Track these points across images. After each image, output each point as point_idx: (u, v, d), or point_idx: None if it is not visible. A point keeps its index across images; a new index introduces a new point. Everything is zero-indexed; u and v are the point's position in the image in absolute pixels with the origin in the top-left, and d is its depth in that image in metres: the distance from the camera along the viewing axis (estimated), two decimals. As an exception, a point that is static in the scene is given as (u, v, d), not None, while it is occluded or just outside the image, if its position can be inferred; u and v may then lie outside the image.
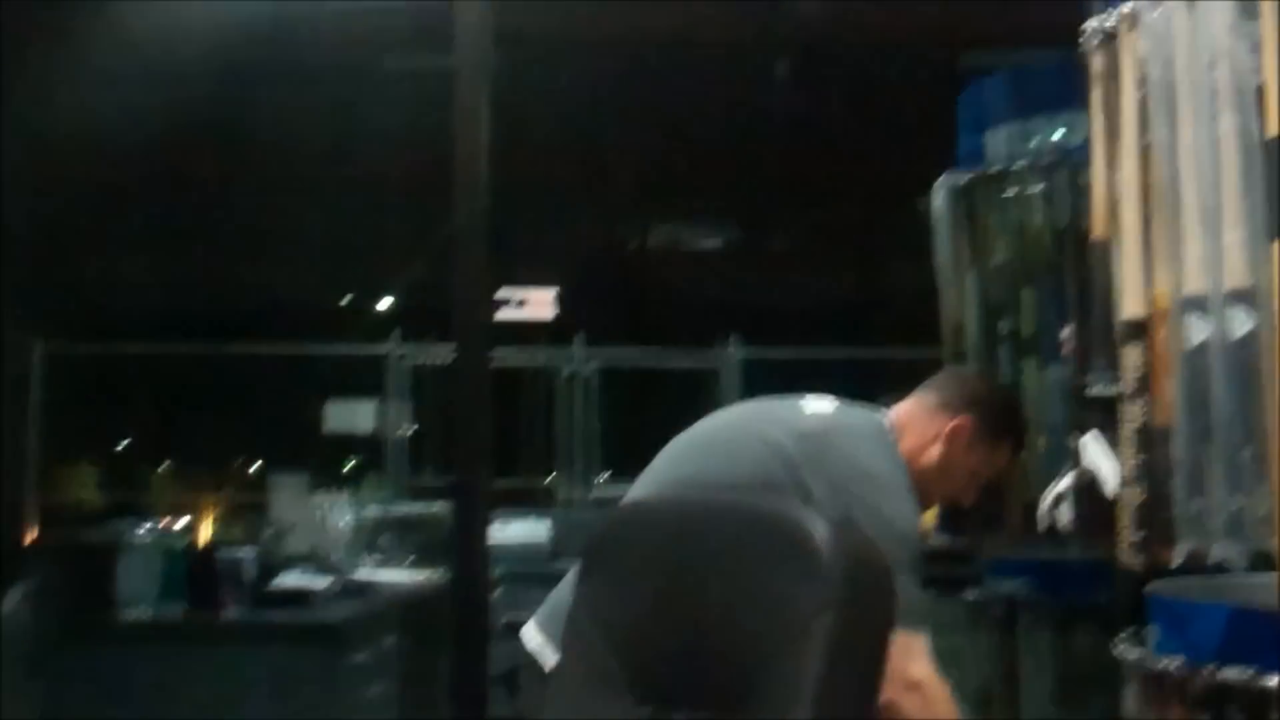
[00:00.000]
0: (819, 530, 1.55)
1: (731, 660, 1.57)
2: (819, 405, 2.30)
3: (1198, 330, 1.92)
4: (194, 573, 3.70)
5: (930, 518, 2.74)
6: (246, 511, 5.88)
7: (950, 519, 2.93)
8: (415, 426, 8.63)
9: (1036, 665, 3.08)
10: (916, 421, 2.34)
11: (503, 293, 7.30)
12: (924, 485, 2.27)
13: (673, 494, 2.14)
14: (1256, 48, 1.95)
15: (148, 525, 4.00)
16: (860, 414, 2.32)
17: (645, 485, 2.28)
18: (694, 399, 8.20)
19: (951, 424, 2.32)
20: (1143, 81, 2.09)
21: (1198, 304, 1.93)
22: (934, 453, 2.31)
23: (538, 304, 7.49)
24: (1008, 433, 2.39)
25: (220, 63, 5.23)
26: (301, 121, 6.36)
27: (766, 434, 2.20)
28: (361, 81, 5.99)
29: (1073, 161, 2.98)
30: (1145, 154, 2.08)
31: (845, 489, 2.11)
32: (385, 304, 11.02)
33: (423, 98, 4.30)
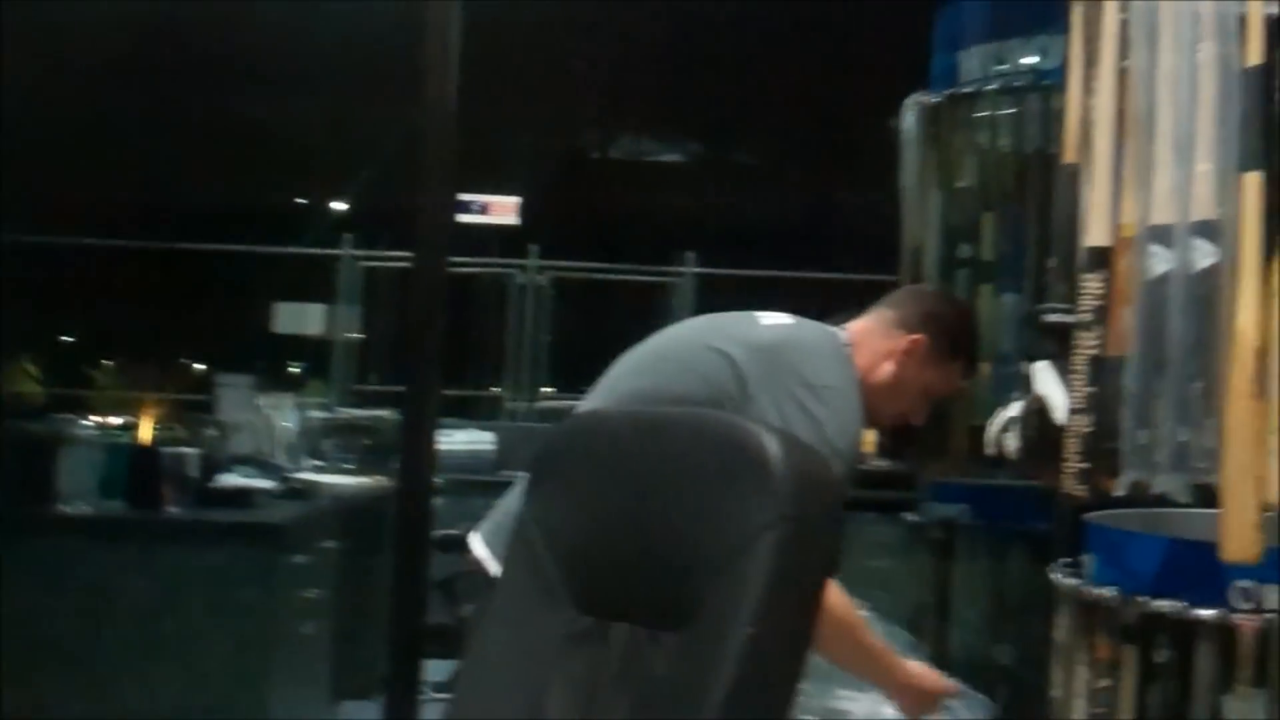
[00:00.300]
0: (771, 446, 1.52)
1: (677, 573, 1.55)
2: (776, 318, 2.28)
3: (1160, 261, 1.90)
4: (136, 469, 3.64)
5: (870, 442, 2.73)
6: (190, 410, 5.83)
7: (894, 443, 2.92)
8: (364, 334, 8.58)
9: (970, 590, 3.10)
10: (871, 337, 2.32)
11: (465, 197, 7.22)
12: (875, 402, 2.25)
13: (626, 406, 2.12)
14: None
15: (90, 420, 3.94)
16: (817, 328, 2.29)
17: (598, 396, 2.26)
18: (647, 314, 8.17)
19: (906, 341, 2.31)
20: (1125, 5, 2.05)
21: (1162, 235, 1.91)
22: (887, 369, 2.30)
23: (500, 210, 7.41)
24: (962, 352, 2.37)
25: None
26: (262, 20, 6.23)
27: (720, 346, 2.18)
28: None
29: (1045, 86, 2.95)
30: (1123, 79, 2.05)
31: (792, 399, 2.09)
32: (339, 207, 10.90)
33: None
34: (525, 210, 8.25)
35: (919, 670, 2.08)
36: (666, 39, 6.80)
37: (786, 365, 2.15)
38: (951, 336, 2.35)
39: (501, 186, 8.49)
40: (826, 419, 2.09)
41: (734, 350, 2.16)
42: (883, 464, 3.18)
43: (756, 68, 7.05)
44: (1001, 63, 3.10)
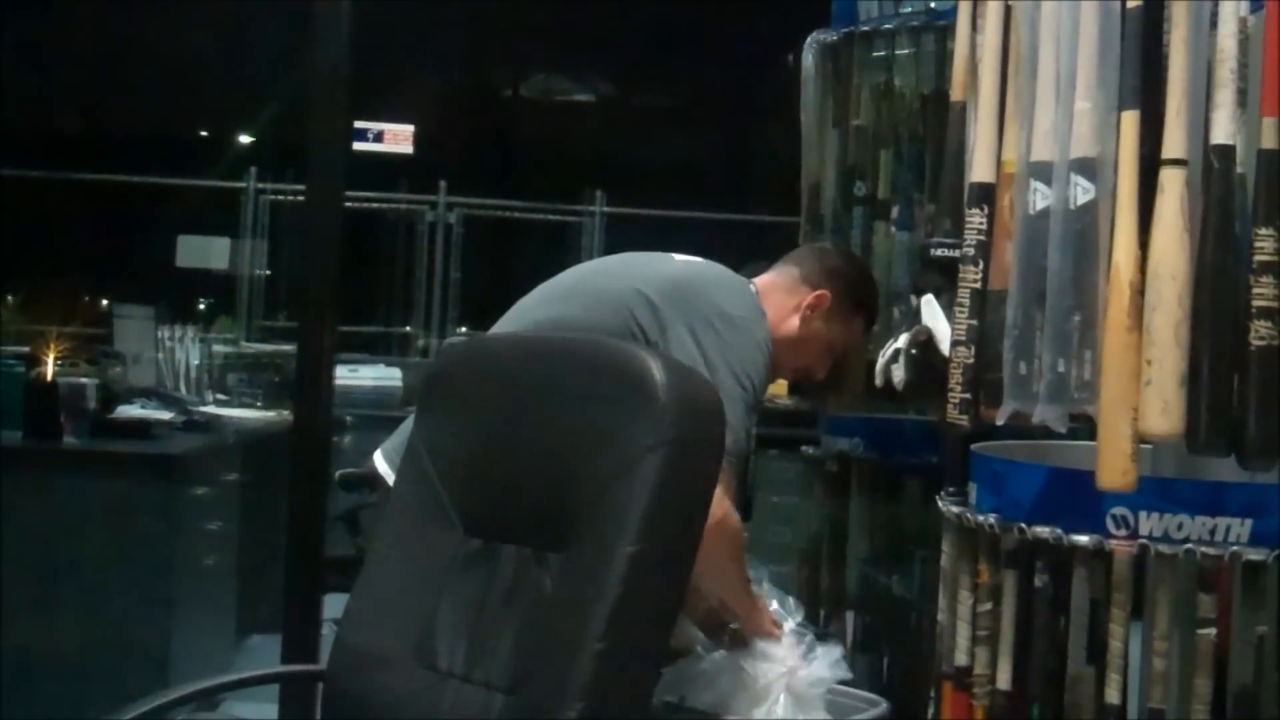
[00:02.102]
0: (655, 369, 1.55)
1: (562, 494, 1.59)
2: (689, 258, 2.35)
3: (1040, 196, 1.95)
4: (33, 399, 3.60)
5: (780, 386, 2.79)
6: (93, 344, 5.74)
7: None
8: (270, 271, 8.48)
9: (865, 523, 3.17)
10: (777, 292, 2.38)
11: (360, 124, 7.15)
12: (780, 356, 2.31)
13: (514, 331, 2.15)
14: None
15: (-15, 350, 3.88)
16: (729, 272, 2.35)
17: (507, 324, 2.28)
18: (556, 253, 8.16)
19: (812, 296, 2.38)
20: (1011, -58, 2.08)
21: (1043, 171, 1.95)
22: (792, 324, 2.36)
23: (395, 138, 7.34)
24: (863, 309, 2.46)
25: None
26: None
27: (633, 282, 2.22)
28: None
29: (939, 25, 2.99)
30: (1008, 17, 2.08)
31: (708, 325, 2.15)
32: (245, 140, 10.73)
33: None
34: (435, 146, 8.20)
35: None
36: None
37: (701, 295, 2.20)
38: (854, 293, 2.44)
39: (410, 122, 8.40)
40: (739, 344, 2.16)
41: (648, 286, 2.20)
42: (789, 401, 3.23)
43: (665, 5, 7.02)
44: (899, 3, 3.13)
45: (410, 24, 6.68)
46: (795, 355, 2.39)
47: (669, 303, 2.17)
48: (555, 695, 1.46)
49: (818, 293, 2.38)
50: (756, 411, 2.21)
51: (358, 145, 6.98)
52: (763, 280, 2.41)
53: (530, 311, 2.29)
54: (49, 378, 3.70)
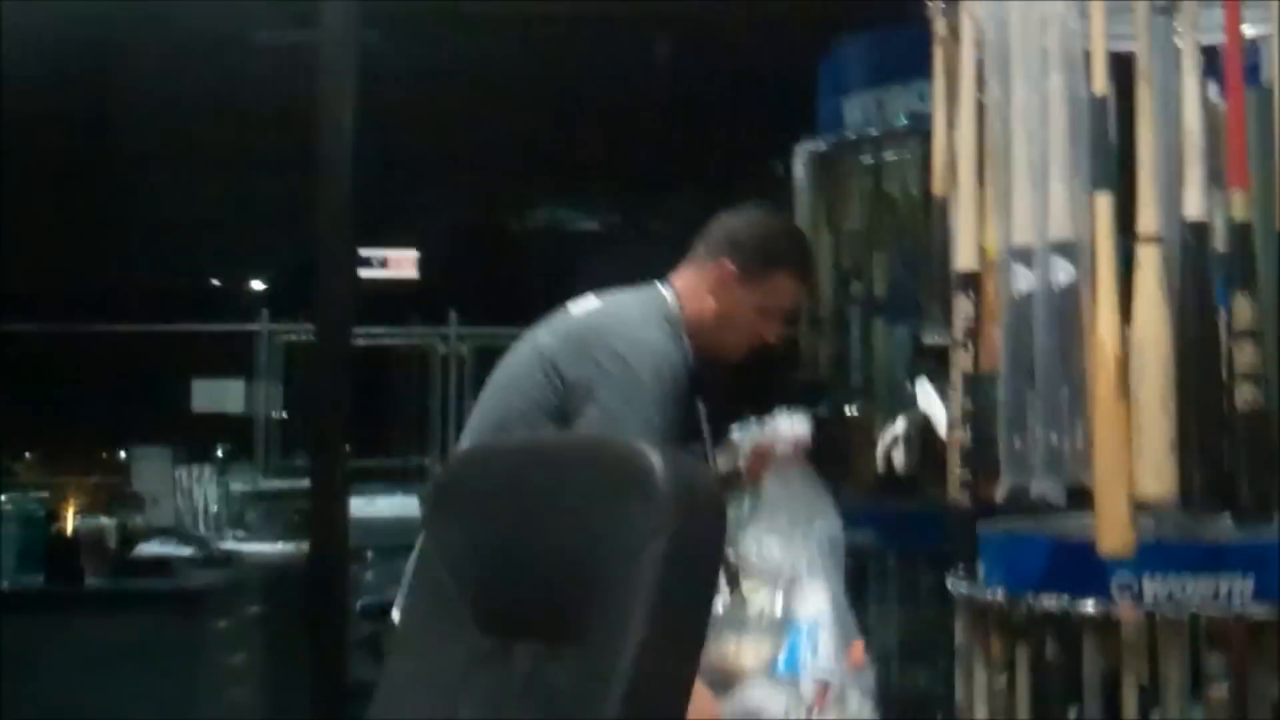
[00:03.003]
0: (655, 461, 1.60)
1: (570, 588, 1.62)
2: (586, 304, 2.35)
3: (1023, 280, 2.01)
4: (52, 543, 3.65)
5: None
6: (111, 490, 5.79)
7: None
8: (285, 413, 8.55)
9: (882, 613, 3.18)
10: (690, 279, 2.36)
11: (364, 251, 7.27)
12: (715, 338, 2.31)
13: (469, 440, 2.21)
14: (1084, 12, 2.05)
15: (4, 497, 3.93)
16: (630, 298, 2.34)
17: (466, 434, 2.35)
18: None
19: (714, 270, 2.34)
20: (980, 43, 2.18)
21: (1024, 255, 2.02)
22: (710, 305, 2.33)
23: (399, 264, 7.46)
24: (778, 262, 2.36)
25: (85, 36, 5.13)
26: (174, 99, 6.26)
27: (535, 344, 2.28)
28: (229, 57, 5.91)
29: (924, 130, 3.07)
30: (981, 113, 2.17)
31: (602, 375, 2.18)
32: (257, 285, 10.89)
33: (292, 73, 4.28)
34: (443, 277, 8.32)
35: None
36: (582, 111, 6.91)
37: (594, 344, 2.23)
38: (759, 251, 2.36)
39: (419, 257, 8.54)
40: (633, 382, 2.17)
41: (546, 343, 2.25)
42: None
43: (667, 135, 7.18)
44: (883, 108, 3.23)
45: (414, 158, 6.84)
46: (728, 332, 2.34)
47: (566, 361, 2.21)
48: (576, 783, 1.48)
49: (718, 264, 2.34)
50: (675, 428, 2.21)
51: (364, 272, 7.09)
52: (678, 275, 2.38)
53: (478, 414, 2.34)
54: (59, 523, 3.75)
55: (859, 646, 2.21)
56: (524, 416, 2.18)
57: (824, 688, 2.13)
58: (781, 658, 2.18)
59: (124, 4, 4.90)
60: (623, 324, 2.27)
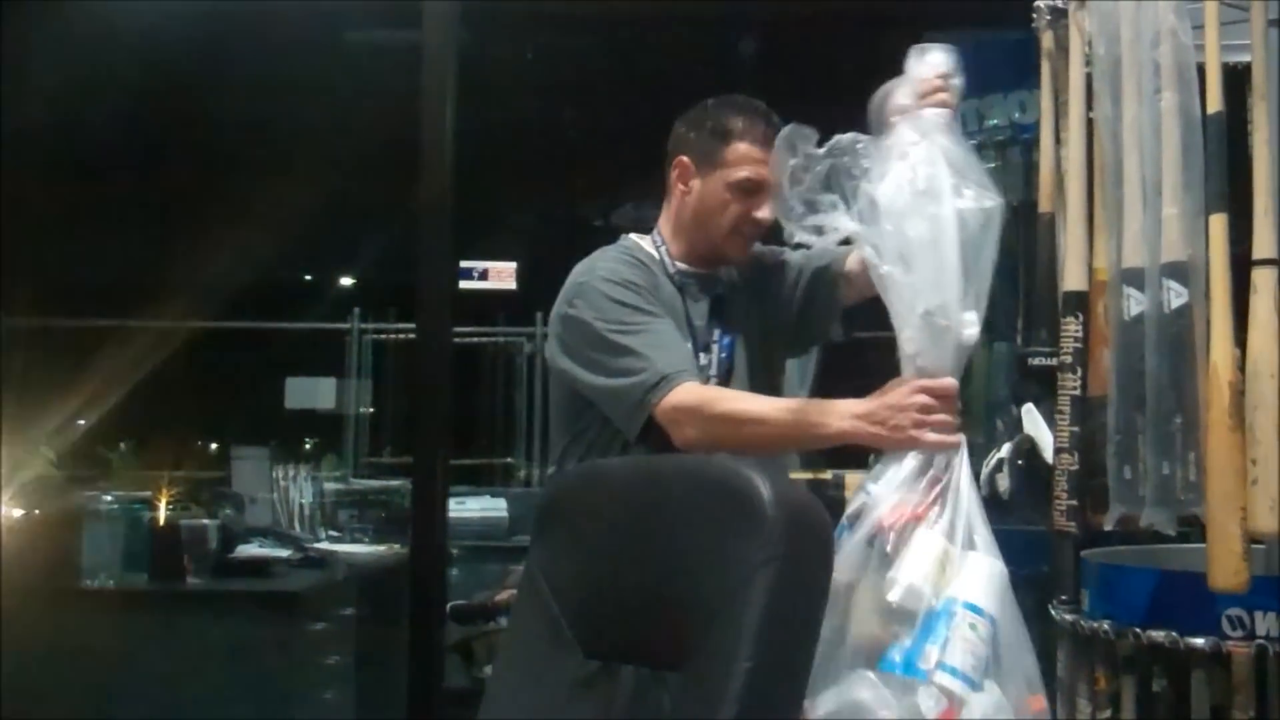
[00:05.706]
0: (762, 488, 1.59)
1: (677, 614, 1.62)
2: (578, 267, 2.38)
3: (1134, 302, 1.98)
4: (157, 542, 3.72)
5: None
6: (207, 486, 5.89)
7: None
8: (373, 408, 8.64)
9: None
10: (666, 206, 2.40)
11: (465, 264, 7.35)
12: (703, 238, 2.33)
13: (615, 459, 2.23)
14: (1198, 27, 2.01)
15: (110, 496, 4.02)
16: (593, 256, 2.38)
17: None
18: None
19: (675, 169, 2.36)
20: (1089, 59, 2.15)
21: (1135, 277, 1.98)
22: (686, 204, 2.35)
23: (499, 275, 7.51)
24: (725, 136, 2.32)
25: (182, 37, 5.22)
26: (265, 97, 6.34)
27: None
28: (327, 57, 5.98)
29: (1025, 139, 3.04)
30: (1090, 129, 2.13)
31: (571, 340, 2.27)
32: (347, 281, 11.01)
33: (388, 73, 4.31)
34: (531, 279, 8.36)
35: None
36: (655, 108, 6.92)
37: (557, 314, 2.31)
38: (699, 134, 2.34)
39: (504, 253, 8.59)
40: (583, 332, 2.23)
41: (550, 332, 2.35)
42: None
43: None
44: (982, 118, 3.20)
45: (498, 161, 6.88)
46: (708, 222, 2.33)
47: (553, 334, 2.31)
48: (681, 812, 1.48)
49: (675, 165, 2.36)
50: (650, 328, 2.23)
51: (463, 284, 7.16)
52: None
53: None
54: (164, 522, 3.81)
55: (1039, 700, 1.76)
56: (562, 405, 2.31)
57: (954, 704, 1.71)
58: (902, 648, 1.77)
59: (222, 2, 4.97)
60: (573, 283, 2.33)
